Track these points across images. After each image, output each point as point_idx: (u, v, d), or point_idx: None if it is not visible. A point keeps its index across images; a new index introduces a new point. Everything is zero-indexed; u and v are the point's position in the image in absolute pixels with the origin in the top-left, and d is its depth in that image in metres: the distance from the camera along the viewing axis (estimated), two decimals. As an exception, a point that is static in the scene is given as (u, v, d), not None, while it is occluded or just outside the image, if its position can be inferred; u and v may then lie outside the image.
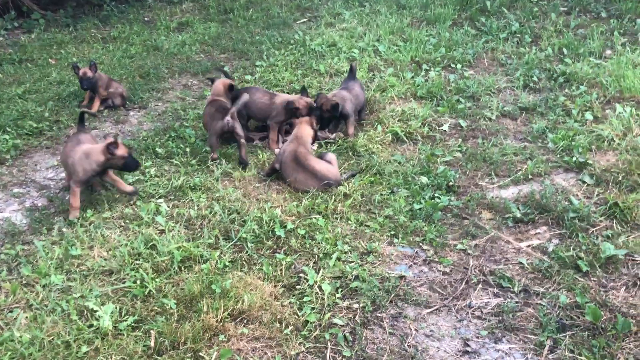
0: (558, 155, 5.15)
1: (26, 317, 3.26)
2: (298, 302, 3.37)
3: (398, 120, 5.90)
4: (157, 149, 5.37)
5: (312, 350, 3.07)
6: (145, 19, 10.30)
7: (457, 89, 6.65)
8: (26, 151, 5.59)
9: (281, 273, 3.62)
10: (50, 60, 8.28)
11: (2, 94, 6.86)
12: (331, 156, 4.93)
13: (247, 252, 3.83)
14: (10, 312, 3.36)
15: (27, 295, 3.46)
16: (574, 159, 4.98)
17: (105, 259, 3.76)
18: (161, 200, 4.51)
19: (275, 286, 3.48)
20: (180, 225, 4.15)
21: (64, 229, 4.22)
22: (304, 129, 5.03)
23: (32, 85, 7.14)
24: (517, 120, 6.00)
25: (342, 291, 3.52)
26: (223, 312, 3.14)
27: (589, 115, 5.80)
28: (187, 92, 7.09)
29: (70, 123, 6.15)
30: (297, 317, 3.26)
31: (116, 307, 3.22)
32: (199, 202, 4.46)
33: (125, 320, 3.14)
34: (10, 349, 3.01)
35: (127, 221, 4.24)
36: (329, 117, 5.49)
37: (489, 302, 3.49)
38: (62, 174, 5.13)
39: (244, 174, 4.92)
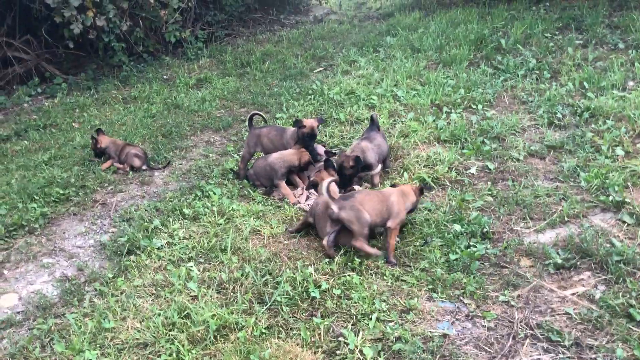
0: (593, 195, 5.01)
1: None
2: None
3: (424, 166, 5.83)
4: (184, 210, 5.34)
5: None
6: (164, 77, 10.48)
7: (480, 130, 6.58)
8: (54, 219, 5.59)
9: (320, 338, 3.50)
10: (73, 124, 8.41)
11: (28, 162, 6.94)
12: None
13: (282, 316, 3.72)
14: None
15: (62, 375, 3.38)
16: (610, 198, 4.83)
17: (138, 331, 3.67)
18: (191, 264, 4.44)
19: (315, 352, 3.35)
20: (213, 289, 4.07)
21: (95, 300, 4.16)
22: (326, 177, 5.04)
23: (57, 151, 7.22)
24: (545, 160, 5.89)
25: (384, 354, 3.38)
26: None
27: (619, 151, 5.67)
28: (210, 148, 7.11)
29: (96, 187, 6.17)
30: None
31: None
32: (230, 264, 4.38)
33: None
34: None
35: (159, 288, 4.17)
36: (352, 174, 5.42)
37: (540, 359, 3.32)
38: (91, 241, 5.12)
39: (273, 231, 4.85)
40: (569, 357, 3.31)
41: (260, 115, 6.56)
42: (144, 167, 6.58)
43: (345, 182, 5.41)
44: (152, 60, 11.31)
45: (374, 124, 6.02)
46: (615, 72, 7.51)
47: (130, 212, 5.49)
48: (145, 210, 5.52)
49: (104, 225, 5.44)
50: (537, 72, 8.19)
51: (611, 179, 5.11)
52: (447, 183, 5.57)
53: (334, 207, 4.37)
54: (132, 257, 4.67)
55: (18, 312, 4.22)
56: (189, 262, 4.48)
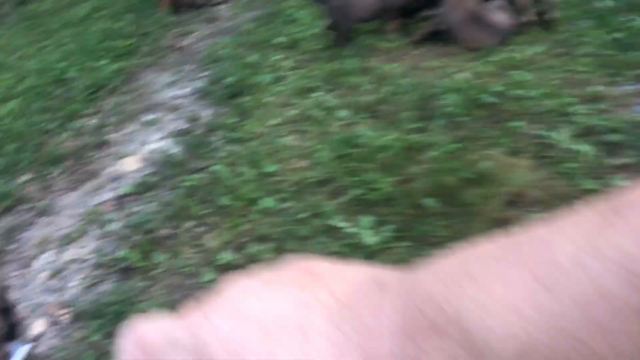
0: None
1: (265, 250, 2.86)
2: (561, 172, 2.86)
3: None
4: (279, 39, 4.71)
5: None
6: None
7: None
8: (132, 74, 5.00)
9: (519, 142, 3.09)
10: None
11: (70, 18, 6.17)
12: None
13: (462, 128, 3.29)
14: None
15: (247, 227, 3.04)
16: None
17: (306, 169, 3.28)
18: (321, 92, 3.93)
19: (525, 158, 2.97)
20: (365, 114, 3.61)
21: (231, 147, 3.72)
22: None
23: (96, 1, 6.39)
24: None
25: (600, 148, 2.99)
26: (498, 200, 2.67)
27: None
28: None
29: (160, 33, 5.48)
30: (571, 187, 2.77)
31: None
32: (364, 86, 3.88)
33: (384, 232, 2.70)
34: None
35: (301, 123, 3.71)
36: None
37: None
38: (187, 89, 4.60)
39: (391, 44, 4.28)
40: None
41: None
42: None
43: None
44: None
45: None
46: None
47: (216, 51, 4.89)
48: (229, 45, 4.91)
49: (192, 70, 4.87)
50: None
51: None
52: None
53: None
54: (246, 98, 4.17)
55: (147, 174, 3.83)
56: (316, 91, 3.97)
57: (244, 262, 2.78)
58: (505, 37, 3.98)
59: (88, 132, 4.36)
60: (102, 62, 5.07)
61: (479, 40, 4.00)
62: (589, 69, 3.59)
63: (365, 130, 3.35)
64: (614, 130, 3.04)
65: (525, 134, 3.15)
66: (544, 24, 4.05)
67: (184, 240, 3.13)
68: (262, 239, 2.91)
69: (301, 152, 3.45)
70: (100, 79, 4.85)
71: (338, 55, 4.31)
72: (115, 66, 4.98)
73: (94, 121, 4.47)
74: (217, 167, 3.56)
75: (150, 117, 4.39)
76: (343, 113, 3.58)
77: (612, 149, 2.97)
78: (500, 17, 4.04)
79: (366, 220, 2.68)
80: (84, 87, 4.78)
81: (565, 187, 2.74)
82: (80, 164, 4.08)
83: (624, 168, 2.86)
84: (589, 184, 2.73)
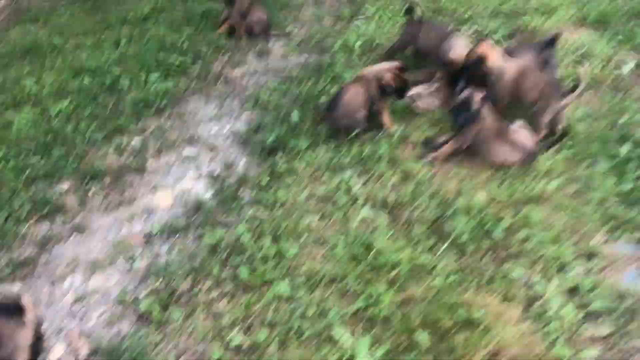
0: None
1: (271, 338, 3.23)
2: (543, 331, 3.22)
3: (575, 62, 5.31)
4: (321, 98, 5.00)
5: (575, 395, 2.98)
6: None
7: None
8: (179, 98, 5.29)
9: (513, 288, 3.44)
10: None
11: (126, 15, 6.41)
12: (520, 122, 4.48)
13: (467, 258, 3.63)
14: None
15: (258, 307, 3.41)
16: None
17: (322, 259, 3.63)
18: (349, 172, 4.25)
19: (515, 307, 3.32)
20: (383, 211, 3.94)
21: (259, 214, 4.05)
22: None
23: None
24: None
25: (582, 312, 3.34)
26: (482, 351, 3.03)
27: None
28: (322, 9, 6.47)
29: (211, 55, 5.73)
30: (546, 350, 3.13)
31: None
32: (389, 177, 4.19)
33: (377, 352, 3.07)
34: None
35: (324, 203, 4.04)
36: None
37: None
38: (226, 128, 4.93)
39: (424, 135, 4.58)
40: None
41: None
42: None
43: None
44: None
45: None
46: None
47: (260, 94, 5.19)
48: (275, 91, 5.21)
49: (234, 108, 5.17)
50: None
51: None
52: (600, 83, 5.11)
53: None
54: (281, 159, 4.47)
55: (178, 216, 4.18)
56: (344, 172, 4.29)
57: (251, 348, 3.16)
58: (530, 156, 4.27)
59: (129, 152, 4.68)
60: (154, 75, 5.35)
61: (504, 157, 4.30)
62: (594, 218, 3.91)
63: (381, 236, 3.68)
64: (599, 297, 3.39)
65: (520, 279, 3.49)
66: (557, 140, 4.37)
67: (200, 301, 3.50)
68: (270, 325, 3.29)
69: (320, 238, 3.80)
70: (149, 94, 5.14)
71: (371, 137, 4.61)
72: (165, 85, 5.25)
73: (136, 141, 4.79)
74: (241, 229, 3.90)
75: (189, 151, 4.71)
76: (365, 211, 3.91)
77: (593, 316, 3.32)
78: (523, 135, 4.34)
79: (364, 342, 3.04)
80: (132, 101, 5.08)
81: (542, 349, 3.11)
82: (117, 186, 4.41)
83: (599, 340, 3.22)
84: (563, 351, 3.09)
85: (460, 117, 4.32)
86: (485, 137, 4.30)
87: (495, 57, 4.54)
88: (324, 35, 5.99)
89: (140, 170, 4.55)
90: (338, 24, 6.19)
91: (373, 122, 4.65)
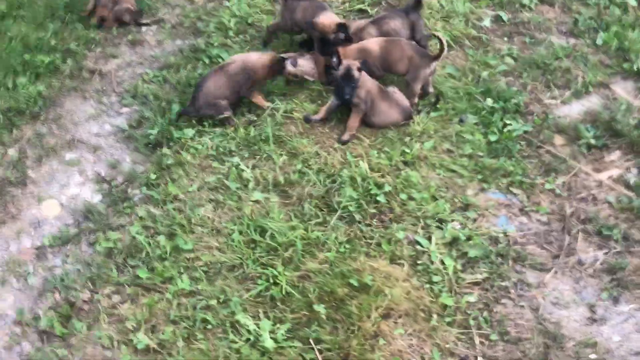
0: (613, 59, 5.15)
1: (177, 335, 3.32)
2: (429, 285, 3.52)
3: (441, 19, 5.61)
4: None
5: (461, 338, 3.31)
6: None
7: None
8: (53, 98, 5.06)
9: (399, 248, 3.71)
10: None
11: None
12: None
13: (357, 225, 3.86)
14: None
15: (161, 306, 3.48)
16: (635, 67, 4.99)
17: (219, 249, 3.73)
18: (237, 159, 4.33)
19: (402, 266, 3.60)
20: (273, 193, 4.08)
21: (151, 209, 4.07)
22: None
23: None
24: (555, 7, 5.82)
25: (461, 262, 3.68)
26: (374, 313, 3.28)
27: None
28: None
29: (82, 51, 5.50)
30: (433, 301, 3.44)
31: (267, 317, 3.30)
32: (277, 158, 4.31)
33: (279, 330, 3.24)
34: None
35: (216, 193, 4.11)
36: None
37: (596, 256, 3.74)
38: (107, 126, 4.83)
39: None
40: (619, 252, 3.75)
41: None
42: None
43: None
44: None
45: None
46: None
47: (137, 87, 5.09)
48: (153, 81, 5.14)
49: (113, 104, 5.05)
50: None
51: (631, 41, 5.20)
52: (464, 41, 5.46)
53: None
54: (167, 151, 4.46)
55: (68, 225, 4.11)
56: (232, 157, 4.36)
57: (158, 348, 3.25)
58: (409, 115, 4.54)
59: (7, 164, 4.48)
60: (22, 79, 5.08)
61: (392, 117, 4.54)
62: (465, 172, 4.26)
63: (275, 218, 3.83)
64: (474, 245, 3.75)
65: (404, 239, 3.78)
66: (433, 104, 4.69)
67: (102, 309, 3.51)
68: (174, 322, 3.38)
69: (215, 228, 3.88)
70: (20, 100, 4.88)
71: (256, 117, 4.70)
72: (36, 88, 4.99)
73: (12, 152, 4.59)
74: (135, 229, 3.91)
75: (71, 155, 4.58)
76: (257, 194, 4.02)
77: (469, 264, 3.67)
78: (400, 96, 4.60)
79: (267, 322, 3.21)
80: (2, 109, 4.81)
81: (428, 301, 3.42)
82: (-1, 202, 4.25)
83: (477, 285, 3.58)
84: (447, 300, 3.42)
85: (347, 88, 4.45)
86: (373, 100, 4.51)
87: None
88: (197, 16, 5.90)
89: (22, 182, 4.38)
90: (209, 3, 6.11)
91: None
